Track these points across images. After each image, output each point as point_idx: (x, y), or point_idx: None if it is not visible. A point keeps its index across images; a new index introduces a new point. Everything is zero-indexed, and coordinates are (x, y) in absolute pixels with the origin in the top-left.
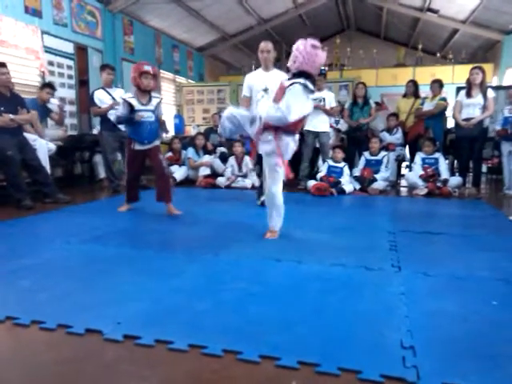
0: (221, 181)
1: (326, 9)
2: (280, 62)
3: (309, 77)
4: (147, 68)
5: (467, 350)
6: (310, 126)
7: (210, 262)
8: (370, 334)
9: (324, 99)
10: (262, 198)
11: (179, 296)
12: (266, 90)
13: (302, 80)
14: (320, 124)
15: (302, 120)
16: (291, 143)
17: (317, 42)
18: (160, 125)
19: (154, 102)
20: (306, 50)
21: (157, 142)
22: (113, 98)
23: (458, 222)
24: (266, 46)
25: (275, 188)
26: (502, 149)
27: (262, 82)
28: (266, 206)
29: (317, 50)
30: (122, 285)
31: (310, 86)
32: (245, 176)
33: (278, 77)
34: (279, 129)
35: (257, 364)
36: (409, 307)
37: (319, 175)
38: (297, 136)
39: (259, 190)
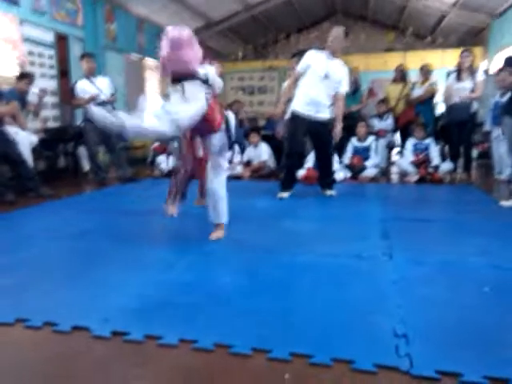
0: None
1: None
2: (268, 49)
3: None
4: None
5: (460, 337)
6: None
7: (199, 256)
8: (362, 323)
9: None
10: (284, 195)
11: (168, 290)
12: (326, 76)
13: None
14: None
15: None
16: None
17: (184, 35)
18: None
19: None
20: (167, 51)
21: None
22: (97, 88)
23: (449, 208)
24: (336, 31)
25: (217, 183)
26: (492, 133)
27: (323, 66)
28: (208, 203)
29: (184, 47)
30: (109, 280)
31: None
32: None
33: (339, 68)
34: None
35: (249, 357)
36: (401, 295)
37: (306, 165)
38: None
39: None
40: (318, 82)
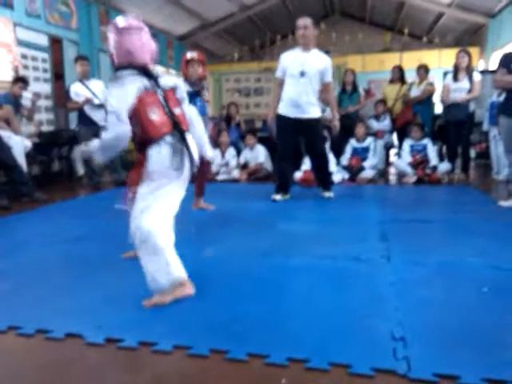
0: None
1: None
2: (264, 50)
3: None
4: (191, 55)
5: (458, 338)
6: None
7: (195, 259)
8: (360, 326)
9: None
10: (277, 197)
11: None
12: (302, 74)
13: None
14: None
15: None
16: None
17: (125, 23)
18: None
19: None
20: (114, 39)
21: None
22: (90, 91)
23: (447, 209)
24: (302, 21)
25: (150, 219)
26: (490, 133)
27: (298, 63)
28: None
29: (124, 35)
30: (103, 286)
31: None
32: (226, 165)
33: (318, 58)
34: None
35: (245, 363)
36: (399, 297)
37: (303, 168)
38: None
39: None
40: (295, 82)
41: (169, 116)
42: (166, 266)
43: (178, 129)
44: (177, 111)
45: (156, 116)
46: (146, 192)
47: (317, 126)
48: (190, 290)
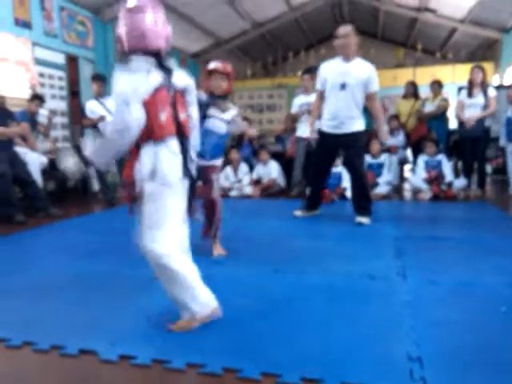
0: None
1: (321, 12)
2: (276, 66)
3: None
4: (214, 65)
5: (475, 359)
6: (300, 132)
7: (208, 276)
8: (375, 346)
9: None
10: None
11: (176, 313)
12: (343, 86)
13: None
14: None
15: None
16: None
17: (135, 3)
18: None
19: (232, 112)
20: (125, 20)
21: (217, 162)
22: (105, 108)
23: (463, 226)
24: (343, 30)
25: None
26: (507, 149)
27: (339, 74)
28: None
29: (136, 14)
30: (117, 303)
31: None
32: (239, 181)
33: (360, 67)
34: None
35: (258, 382)
36: (415, 317)
37: None
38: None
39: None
40: (336, 94)
41: (174, 119)
42: (190, 291)
43: (181, 134)
44: (182, 116)
45: (164, 116)
46: (149, 206)
47: (356, 141)
48: (217, 312)
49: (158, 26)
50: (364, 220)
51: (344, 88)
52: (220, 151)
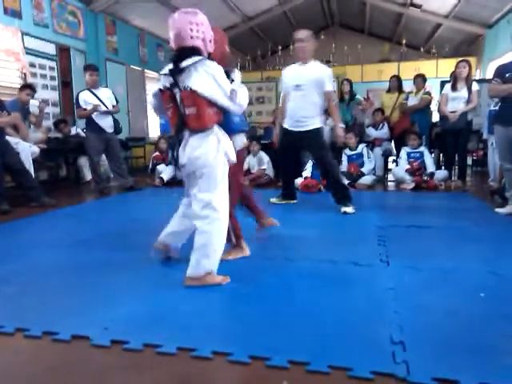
0: None
1: (309, 5)
2: (266, 60)
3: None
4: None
5: (457, 343)
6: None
7: None
8: (360, 330)
9: None
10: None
11: (167, 298)
12: (297, 87)
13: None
14: None
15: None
16: None
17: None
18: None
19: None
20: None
21: None
22: (98, 99)
23: (445, 215)
24: (300, 34)
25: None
26: (488, 141)
27: (294, 77)
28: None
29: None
30: (109, 289)
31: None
32: None
33: (313, 69)
34: None
35: (247, 365)
36: (398, 302)
37: (304, 174)
38: None
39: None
40: (293, 95)
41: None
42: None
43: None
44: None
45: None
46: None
47: (315, 137)
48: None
49: (205, 32)
50: (348, 209)
51: (299, 89)
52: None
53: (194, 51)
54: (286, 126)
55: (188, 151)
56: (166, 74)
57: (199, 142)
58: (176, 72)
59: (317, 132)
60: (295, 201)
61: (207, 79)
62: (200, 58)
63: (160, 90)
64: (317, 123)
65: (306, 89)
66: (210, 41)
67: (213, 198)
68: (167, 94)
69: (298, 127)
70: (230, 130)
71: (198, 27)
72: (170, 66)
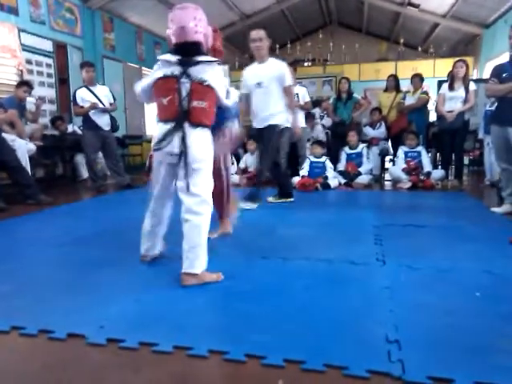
0: None
1: (307, 3)
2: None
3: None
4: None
5: (452, 342)
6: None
7: None
8: (355, 329)
9: (297, 94)
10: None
11: (163, 297)
12: (258, 85)
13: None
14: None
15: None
16: None
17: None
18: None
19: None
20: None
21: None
22: (96, 96)
23: (441, 214)
24: (257, 34)
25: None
26: (484, 141)
27: (255, 75)
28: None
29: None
30: (105, 287)
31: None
32: None
33: (272, 66)
34: None
35: (243, 363)
36: (394, 301)
37: (301, 172)
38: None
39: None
40: (256, 93)
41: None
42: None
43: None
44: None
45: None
46: None
47: (270, 134)
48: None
49: (203, 27)
50: (249, 205)
51: (260, 86)
52: None
53: (199, 46)
54: (253, 124)
55: (189, 143)
56: (169, 62)
57: (201, 136)
58: (191, 63)
59: (274, 128)
60: (292, 199)
61: (219, 78)
62: (213, 58)
63: (161, 77)
64: (280, 120)
65: (267, 86)
66: (209, 36)
67: (208, 194)
68: (171, 81)
69: (263, 124)
70: (229, 116)
71: (201, 22)
72: (172, 56)
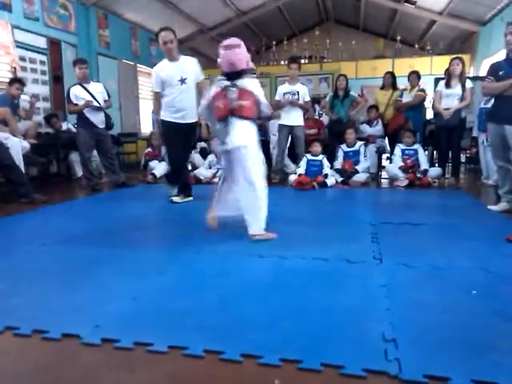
0: (201, 172)
1: (304, 0)
2: (259, 55)
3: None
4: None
5: (448, 340)
6: (284, 120)
7: (191, 261)
8: (352, 327)
9: (298, 92)
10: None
11: (159, 296)
12: (183, 81)
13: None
14: (294, 118)
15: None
16: None
17: (230, 40)
18: None
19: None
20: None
21: None
22: (90, 94)
23: (438, 212)
24: (168, 36)
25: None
26: (479, 139)
27: (175, 72)
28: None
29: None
30: (100, 286)
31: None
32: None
33: (189, 62)
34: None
35: (239, 363)
36: (390, 299)
37: (298, 171)
38: None
39: None
40: (178, 90)
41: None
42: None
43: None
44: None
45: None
46: None
47: (194, 130)
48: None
49: (244, 55)
50: (177, 198)
51: (184, 82)
52: None
53: (243, 71)
54: (169, 119)
55: (236, 133)
56: (221, 80)
57: (243, 126)
58: (235, 78)
59: (195, 125)
60: (191, 198)
61: (257, 87)
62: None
63: (217, 90)
64: (195, 116)
65: (188, 82)
66: (249, 61)
67: (254, 175)
68: (222, 92)
69: (185, 119)
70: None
71: (243, 55)
72: (222, 77)
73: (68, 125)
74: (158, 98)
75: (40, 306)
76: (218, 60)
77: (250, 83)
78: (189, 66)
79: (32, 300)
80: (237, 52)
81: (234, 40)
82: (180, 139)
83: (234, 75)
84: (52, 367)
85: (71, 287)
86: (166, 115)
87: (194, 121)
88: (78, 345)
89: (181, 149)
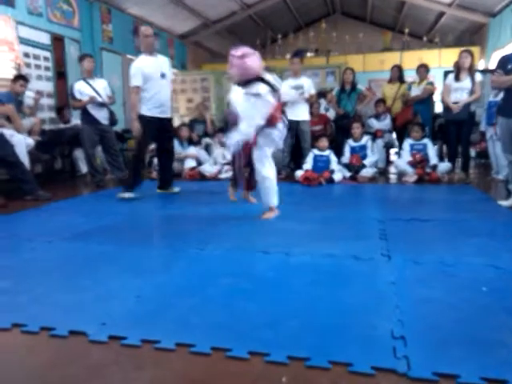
0: (205, 168)
1: None
2: (265, 49)
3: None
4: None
5: (458, 337)
6: (289, 115)
7: (197, 258)
8: (360, 325)
9: (303, 86)
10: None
11: (165, 293)
12: (163, 76)
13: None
14: (300, 112)
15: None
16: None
17: (242, 49)
18: None
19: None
20: (234, 63)
21: None
22: (94, 89)
23: (447, 208)
24: (148, 31)
25: (265, 171)
26: (487, 133)
27: (156, 67)
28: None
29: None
30: (106, 283)
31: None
32: (228, 164)
33: (164, 60)
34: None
35: (246, 361)
36: (399, 296)
37: (305, 167)
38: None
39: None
40: (159, 84)
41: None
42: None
43: None
44: None
45: (278, 113)
46: None
47: (172, 125)
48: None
49: (257, 63)
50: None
51: (164, 77)
52: None
53: (256, 77)
54: (150, 113)
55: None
56: (237, 86)
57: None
58: (247, 85)
59: (171, 120)
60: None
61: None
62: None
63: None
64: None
65: (167, 77)
66: (260, 66)
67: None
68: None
69: (166, 114)
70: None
71: (255, 62)
72: (236, 85)
73: (77, 120)
74: (138, 92)
75: (46, 303)
76: (231, 70)
77: (259, 87)
78: (164, 64)
79: (38, 297)
80: (249, 60)
81: (246, 49)
82: (155, 134)
83: (247, 83)
84: (60, 364)
85: (77, 284)
86: (145, 110)
87: (170, 116)
88: (85, 342)
89: (164, 145)
